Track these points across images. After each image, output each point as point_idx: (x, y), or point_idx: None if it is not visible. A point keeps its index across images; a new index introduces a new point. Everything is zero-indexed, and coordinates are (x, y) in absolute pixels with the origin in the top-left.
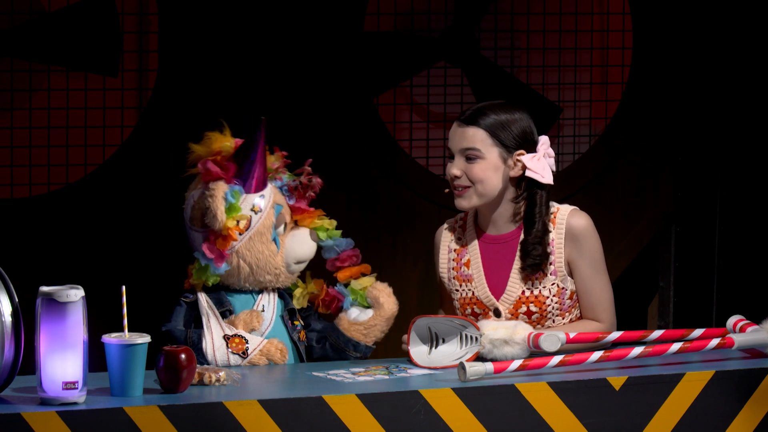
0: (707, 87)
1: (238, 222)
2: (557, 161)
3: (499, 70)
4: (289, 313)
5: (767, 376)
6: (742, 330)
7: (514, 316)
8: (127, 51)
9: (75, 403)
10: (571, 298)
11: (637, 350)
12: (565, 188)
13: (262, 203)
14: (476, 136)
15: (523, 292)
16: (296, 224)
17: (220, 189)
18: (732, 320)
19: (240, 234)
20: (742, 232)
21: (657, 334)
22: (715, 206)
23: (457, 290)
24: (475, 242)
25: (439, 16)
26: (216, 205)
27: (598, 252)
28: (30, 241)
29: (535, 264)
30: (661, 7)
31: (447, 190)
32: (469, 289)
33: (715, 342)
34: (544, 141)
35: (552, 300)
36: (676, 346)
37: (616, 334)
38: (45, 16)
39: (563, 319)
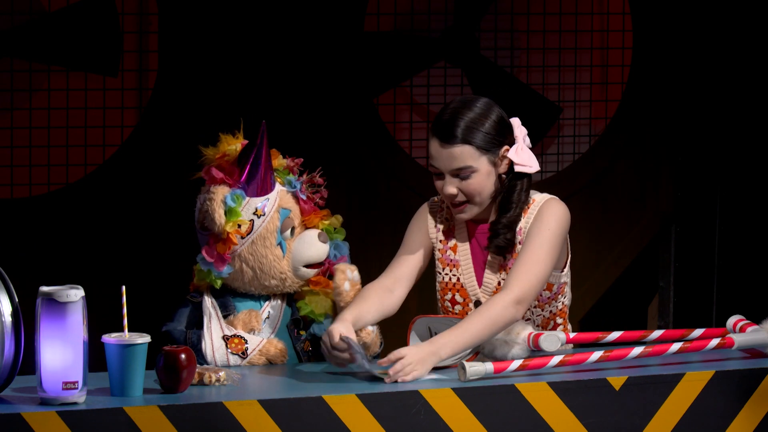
0: (707, 87)
1: (240, 226)
2: (557, 161)
3: (499, 70)
4: (294, 323)
5: (767, 376)
6: (742, 330)
7: None
8: (127, 51)
9: (75, 403)
10: (549, 289)
11: (637, 350)
12: (565, 188)
13: (266, 207)
14: (464, 154)
15: (499, 282)
16: (305, 226)
17: (220, 193)
18: (732, 320)
19: (242, 238)
20: (742, 232)
21: (657, 334)
22: (715, 206)
23: (439, 273)
24: (464, 228)
25: (439, 16)
26: (214, 209)
27: (553, 233)
28: (30, 241)
29: (500, 247)
30: (661, 7)
31: (436, 200)
32: (454, 275)
33: (715, 342)
34: (516, 124)
35: None
36: (676, 346)
37: (616, 334)
38: (45, 16)
39: (542, 310)
